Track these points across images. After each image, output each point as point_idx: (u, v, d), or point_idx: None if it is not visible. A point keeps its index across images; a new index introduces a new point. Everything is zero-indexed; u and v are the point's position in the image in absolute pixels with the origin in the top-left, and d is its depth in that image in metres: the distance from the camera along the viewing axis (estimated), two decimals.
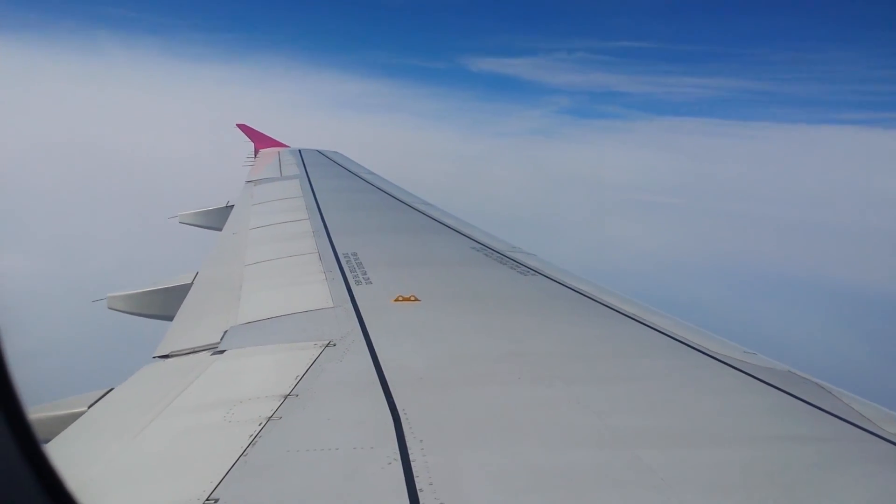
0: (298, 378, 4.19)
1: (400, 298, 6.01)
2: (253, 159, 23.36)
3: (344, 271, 7.13)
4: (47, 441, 3.74)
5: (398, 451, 3.14)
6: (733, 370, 4.56)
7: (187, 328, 5.94)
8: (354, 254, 7.96)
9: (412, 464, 3.01)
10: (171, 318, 6.52)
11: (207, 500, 2.80)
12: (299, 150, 23.30)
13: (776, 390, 4.22)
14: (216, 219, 14.61)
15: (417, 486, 2.81)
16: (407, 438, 3.27)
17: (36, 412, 4.30)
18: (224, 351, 5.00)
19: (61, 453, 3.48)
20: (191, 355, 5.12)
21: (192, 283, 7.75)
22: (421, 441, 3.24)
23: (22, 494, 1.17)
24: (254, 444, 3.31)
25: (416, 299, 6.00)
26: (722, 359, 4.77)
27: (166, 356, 5.19)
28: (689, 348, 5.01)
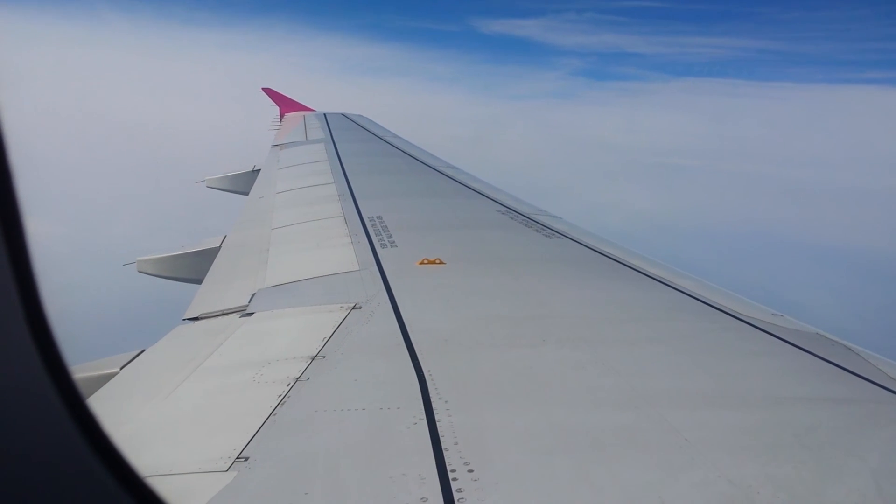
0: (325, 340, 4.23)
1: (425, 261, 6.02)
2: (279, 123, 23.39)
3: (369, 234, 7.15)
4: None
5: (424, 412, 3.17)
6: (761, 332, 4.52)
7: (216, 291, 6.01)
8: (380, 217, 7.97)
9: (438, 424, 3.04)
10: (199, 282, 6.60)
11: (238, 458, 2.85)
12: (324, 114, 23.26)
13: (804, 352, 4.18)
14: (243, 183, 14.68)
15: (443, 446, 2.84)
16: (432, 399, 3.30)
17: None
18: (252, 313, 5.06)
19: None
20: (220, 317, 5.19)
21: (220, 246, 7.83)
22: (446, 402, 3.27)
23: (71, 452, 1.20)
24: (282, 403, 3.36)
25: (442, 262, 6.01)
26: (749, 321, 4.73)
27: (196, 318, 5.27)
28: (717, 310, 4.97)
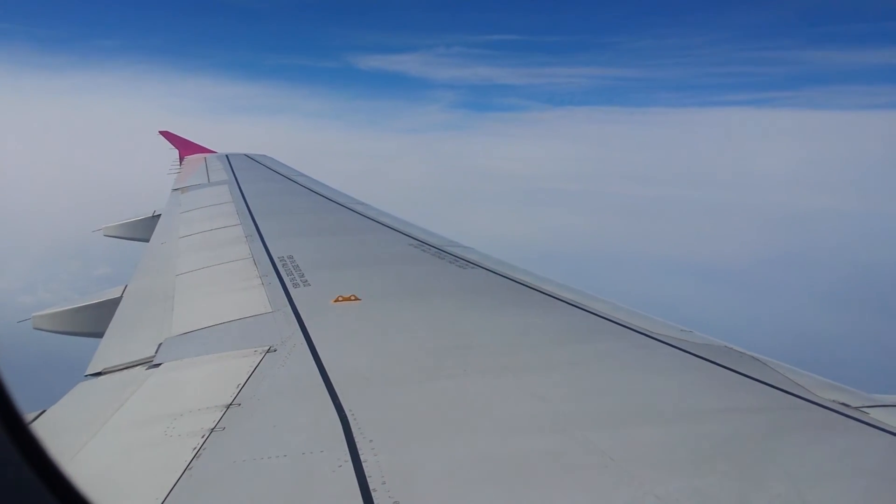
0: (240, 386, 4.08)
1: (340, 299, 5.93)
2: (178, 166, 22.76)
3: (281, 275, 6.99)
4: None
5: (348, 453, 3.08)
6: (673, 349, 4.65)
7: (119, 343, 5.72)
8: (290, 257, 7.82)
9: (364, 464, 2.96)
10: (101, 335, 6.27)
11: None
12: (226, 155, 22.82)
13: (715, 365, 4.33)
14: (143, 229, 14.20)
15: (371, 487, 2.77)
16: (356, 439, 3.22)
17: None
18: (160, 364, 4.84)
19: None
20: (125, 371, 4.93)
21: (121, 296, 7.48)
22: (371, 441, 3.19)
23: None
24: (198, 456, 3.20)
25: (357, 299, 5.93)
26: (661, 338, 4.86)
27: (99, 373, 4.99)
28: (629, 330, 5.09)
